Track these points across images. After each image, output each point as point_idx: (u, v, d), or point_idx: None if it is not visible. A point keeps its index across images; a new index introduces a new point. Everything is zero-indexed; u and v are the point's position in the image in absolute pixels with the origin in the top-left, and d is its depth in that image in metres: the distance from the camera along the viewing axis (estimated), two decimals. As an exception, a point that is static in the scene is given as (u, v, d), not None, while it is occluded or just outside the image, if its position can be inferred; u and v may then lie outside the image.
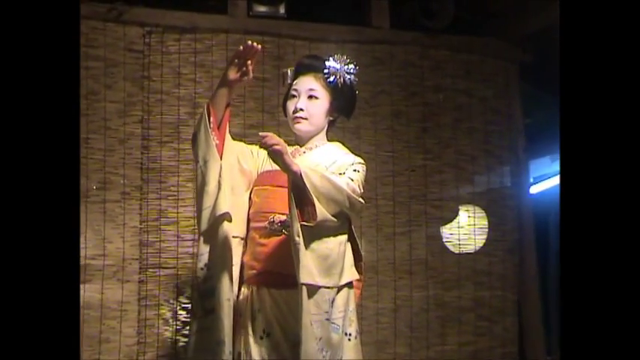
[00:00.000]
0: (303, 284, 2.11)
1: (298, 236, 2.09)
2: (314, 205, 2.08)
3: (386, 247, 3.57)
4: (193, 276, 2.81)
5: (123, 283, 3.25)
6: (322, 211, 2.11)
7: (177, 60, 3.39)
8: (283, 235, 2.23)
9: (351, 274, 2.28)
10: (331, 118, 2.39)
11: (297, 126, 2.35)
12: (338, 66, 2.33)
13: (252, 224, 2.34)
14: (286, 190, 2.16)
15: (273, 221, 2.24)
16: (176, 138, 3.34)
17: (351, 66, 2.34)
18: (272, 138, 2.09)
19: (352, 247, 2.31)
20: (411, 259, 3.59)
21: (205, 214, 2.21)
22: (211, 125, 2.21)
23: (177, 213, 3.31)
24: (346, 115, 2.45)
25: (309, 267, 2.12)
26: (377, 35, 3.65)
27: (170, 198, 3.31)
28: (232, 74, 2.23)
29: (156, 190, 3.30)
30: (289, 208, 2.13)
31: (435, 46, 3.74)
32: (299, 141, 2.38)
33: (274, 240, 2.25)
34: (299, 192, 2.10)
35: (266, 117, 3.43)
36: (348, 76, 2.33)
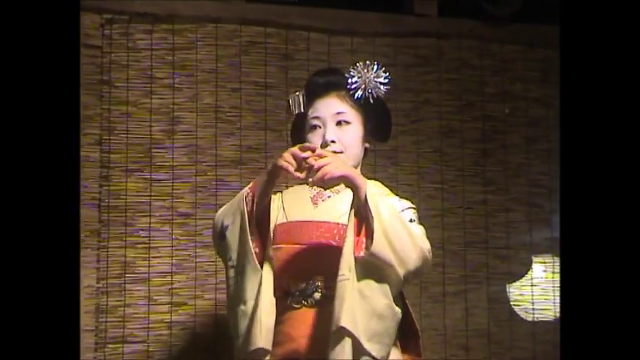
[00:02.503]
0: (342, 328, 1.92)
1: (349, 270, 1.95)
2: (372, 236, 1.94)
3: (433, 313, 3.23)
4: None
5: (73, 364, 2.97)
6: (382, 243, 1.95)
7: (148, 59, 3.06)
8: (304, 308, 2.07)
9: (396, 354, 2.09)
10: (367, 145, 2.25)
11: None
12: (365, 76, 2.17)
13: None
14: (306, 248, 2.09)
15: (289, 291, 2.07)
16: (147, 166, 3.02)
17: (381, 73, 2.18)
18: (321, 159, 1.97)
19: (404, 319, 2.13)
20: (468, 329, 3.25)
21: (238, 344, 2.09)
22: (251, 228, 2.06)
23: (149, 267, 2.98)
24: (383, 137, 2.33)
25: (355, 315, 1.92)
26: (421, 26, 3.34)
27: (139, 247, 3.00)
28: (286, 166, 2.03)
29: (119, 235, 2.99)
30: (347, 230, 1.99)
31: (501, 39, 3.40)
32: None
33: (293, 315, 2.07)
34: (360, 217, 1.99)
35: (270, 136, 3.10)
36: (383, 87, 2.18)
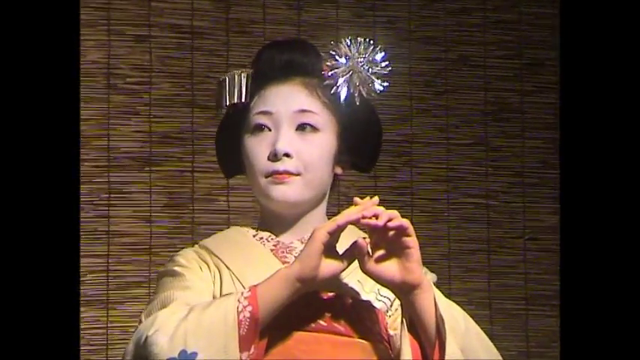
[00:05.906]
0: None
1: None
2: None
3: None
4: None
5: None
6: None
7: None
8: None
9: None
10: (339, 171, 1.76)
11: (279, 190, 1.71)
12: (355, 60, 1.74)
13: None
14: (289, 336, 1.64)
15: None
16: None
17: (379, 55, 1.68)
18: (397, 217, 1.48)
19: None
20: None
21: None
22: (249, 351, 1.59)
23: None
24: (368, 161, 1.82)
25: None
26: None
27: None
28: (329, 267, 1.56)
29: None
30: None
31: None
32: (274, 223, 1.74)
33: None
34: (418, 335, 1.62)
35: (200, 118, 2.68)
36: (378, 84, 1.68)
